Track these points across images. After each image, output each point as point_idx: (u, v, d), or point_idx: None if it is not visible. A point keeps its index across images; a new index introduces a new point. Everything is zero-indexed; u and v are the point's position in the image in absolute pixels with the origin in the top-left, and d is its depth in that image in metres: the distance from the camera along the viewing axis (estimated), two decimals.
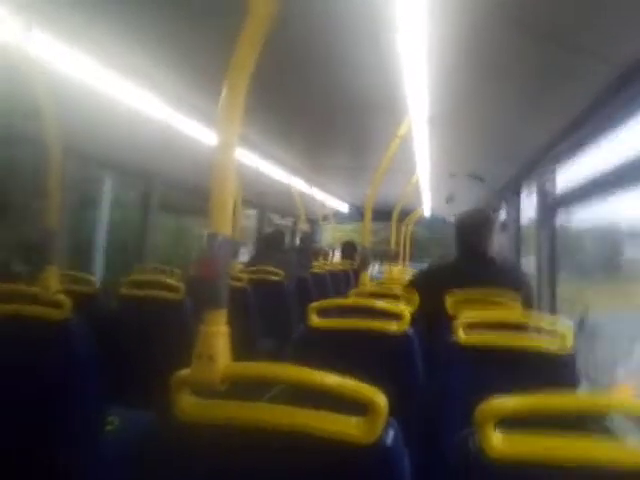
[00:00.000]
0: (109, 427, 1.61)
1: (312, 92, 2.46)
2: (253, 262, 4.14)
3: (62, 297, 1.65)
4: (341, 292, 4.31)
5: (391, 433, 0.74)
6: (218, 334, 0.84)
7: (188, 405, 0.81)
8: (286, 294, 3.67)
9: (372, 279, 3.08)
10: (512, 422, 0.71)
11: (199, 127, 2.85)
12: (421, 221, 7.66)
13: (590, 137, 2.26)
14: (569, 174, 2.95)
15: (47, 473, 1.50)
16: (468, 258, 2.28)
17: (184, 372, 0.83)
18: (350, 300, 2.06)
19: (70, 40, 1.84)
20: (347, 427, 0.74)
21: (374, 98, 2.39)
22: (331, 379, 0.77)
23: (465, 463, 0.73)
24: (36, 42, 1.71)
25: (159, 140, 3.06)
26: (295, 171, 4.69)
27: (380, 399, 0.74)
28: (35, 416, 1.55)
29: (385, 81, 2.04)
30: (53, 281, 1.88)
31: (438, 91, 2.02)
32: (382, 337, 1.65)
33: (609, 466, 0.67)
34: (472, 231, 2.28)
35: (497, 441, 0.70)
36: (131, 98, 2.33)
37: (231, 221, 0.89)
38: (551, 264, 3.09)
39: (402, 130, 2.37)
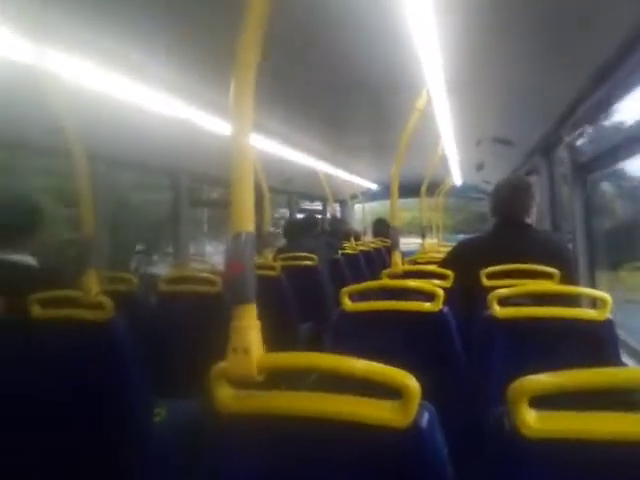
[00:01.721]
0: (157, 418, 1.67)
1: (326, 76, 2.43)
2: (285, 250, 4.16)
3: (104, 298, 1.70)
4: (376, 271, 4.29)
5: (426, 415, 0.74)
6: (250, 327, 0.85)
7: (227, 397, 0.83)
8: (320, 278, 3.69)
9: (405, 256, 3.04)
10: (555, 401, 0.68)
11: (217, 121, 2.87)
12: (453, 192, 7.48)
13: (620, 88, 2.14)
14: (603, 131, 2.79)
15: (101, 467, 1.57)
16: (504, 228, 2.20)
17: (221, 365, 0.84)
18: (382, 282, 2.05)
19: (80, 50, 1.86)
20: (382, 411, 0.74)
21: (389, 74, 2.34)
22: (361, 365, 0.77)
23: (499, 442, 0.71)
24: (45, 58, 1.74)
25: (182, 137, 3.10)
26: (319, 155, 4.68)
27: (411, 382, 0.73)
28: (86, 414, 1.62)
29: (398, 54, 1.99)
30: (93, 283, 1.94)
31: (453, 57, 1.95)
32: (417, 317, 1.64)
33: None
34: (509, 199, 2.19)
35: (531, 419, 0.68)
36: (147, 100, 2.36)
37: (253, 215, 0.89)
38: (587, 233, 2.92)
39: (420, 102, 2.32)
